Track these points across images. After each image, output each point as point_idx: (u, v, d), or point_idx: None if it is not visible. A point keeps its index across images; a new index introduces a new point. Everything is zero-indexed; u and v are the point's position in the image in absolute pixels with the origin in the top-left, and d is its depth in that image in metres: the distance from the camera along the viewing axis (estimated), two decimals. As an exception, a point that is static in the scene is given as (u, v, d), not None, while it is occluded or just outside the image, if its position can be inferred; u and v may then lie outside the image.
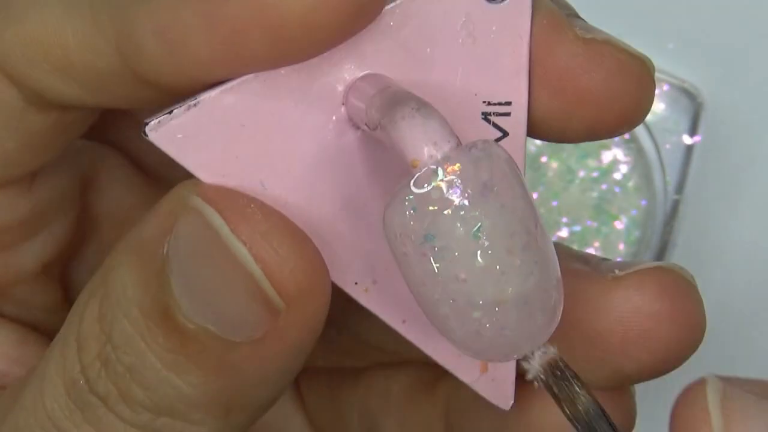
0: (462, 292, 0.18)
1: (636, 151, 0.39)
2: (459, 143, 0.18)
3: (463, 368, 0.21)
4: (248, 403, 0.20)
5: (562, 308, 0.19)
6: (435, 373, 0.21)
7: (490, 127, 0.20)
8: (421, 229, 0.18)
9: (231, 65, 0.18)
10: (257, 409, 0.20)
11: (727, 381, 0.19)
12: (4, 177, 0.22)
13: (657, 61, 0.40)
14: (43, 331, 0.25)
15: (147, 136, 0.19)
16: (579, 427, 0.23)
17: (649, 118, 0.39)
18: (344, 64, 0.19)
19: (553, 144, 0.39)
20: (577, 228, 0.39)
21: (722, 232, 0.41)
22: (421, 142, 0.18)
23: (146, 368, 0.19)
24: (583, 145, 0.39)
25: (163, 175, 0.25)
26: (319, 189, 0.20)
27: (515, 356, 0.19)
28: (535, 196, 0.38)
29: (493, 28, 0.20)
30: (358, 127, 0.20)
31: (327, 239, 0.20)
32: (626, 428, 0.23)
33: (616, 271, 0.21)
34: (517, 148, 0.21)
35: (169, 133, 0.19)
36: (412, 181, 0.18)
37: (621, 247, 0.40)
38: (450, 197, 0.18)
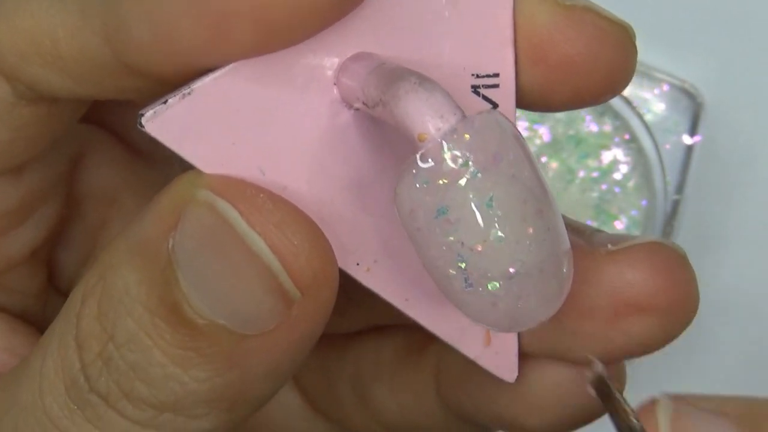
0: (477, 264, 0.18)
1: (636, 151, 0.39)
2: (464, 115, 0.18)
3: (467, 343, 0.21)
4: (254, 395, 0.20)
5: (572, 275, 0.19)
6: (424, 337, 0.21)
7: (480, 100, 0.20)
8: (434, 203, 0.18)
9: (220, 52, 0.18)
10: (261, 400, 0.20)
11: (679, 399, 0.19)
12: None
13: (657, 61, 0.40)
14: (31, 316, 0.25)
15: (143, 127, 0.18)
16: None
17: (649, 118, 0.39)
18: (333, 45, 0.19)
19: (553, 144, 0.39)
20: (577, 228, 0.39)
21: (722, 232, 0.41)
22: (427, 116, 0.18)
23: (151, 365, 0.19)
24: (583, 145, 0.39)
25: (149, 153, 0.25)
26: (318, 171, 0.20)
27: (531, 325, 0.19)
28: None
29: (477, 0, 0.20)
30: (351, 107, 0.20)
31: (329, 222, 0.20)
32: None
33: (609, 246, 0.21)
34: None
35: (165, 123, 0.19)
36: (421, 156, 0.18)
37: (621, 247, 0.40)
38: (461, 169, 0.18)
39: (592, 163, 0.39)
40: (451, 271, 0.18)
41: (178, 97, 0.19)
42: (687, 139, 0.40)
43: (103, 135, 0.25)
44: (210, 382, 0.19)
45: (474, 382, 0.22)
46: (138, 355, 0.19)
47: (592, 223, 0.40)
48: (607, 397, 0.30)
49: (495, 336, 0.21)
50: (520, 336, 0.22)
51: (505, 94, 0.21)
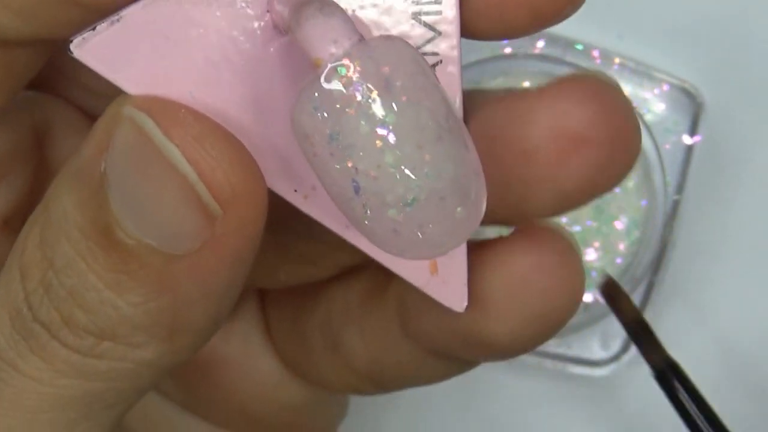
0: (374, 190, 0.18)
1: (636, 151, 0.39)
2: (361, 40, 0.18)
3: (412, 271, 0.21)
4: (191, 322, 0.20)
5: (485, 199, 0.19)
6: (387, 274, 0.21)
7: (421, 27, 0.20)
8: (326, 128, 0.18)
9: None
10: (201, 330, 0.20)
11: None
12: None
13: (657, 61, 0.40)
14: None
15: (72, 53, 0.19)
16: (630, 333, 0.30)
17: (649, 118, 0.39)
18: None
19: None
20: (577, 228, 0.39)
21: (722, 232, 0.41)
22: (323, 41, 0.18)
23: (87, 290, 0.19)
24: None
25: None
26: (250, 98, 0.20)
27: (439, 253, 0.19)
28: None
29: None
30: (283, 34, 0.20)
31: (262, 147, 0.20)
32: (573, 293, 0.22)
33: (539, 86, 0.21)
34: (450, 47, 0.20)
35: (93, 49, 0.19)
36: (313, 81, 0.18)
37: (621, 247, 0.40)
38: (352, 94, 0.18)
39: (592, 163, 0.39)
40: (349, 197, 0.18)
41: (107, 23, 0.19)
42: (687, 139, 0.40)
43: (69, 108, 0.26)
44: (144, 307, 0.19)
45: (432, 306, 0.22)
46: (75, 280, 0.19)
47: (592, 224, 0.40)
48: (614, 299, 0.32)
49: (442, 264, 0.21)
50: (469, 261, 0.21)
51: (448, 19, 0.20)
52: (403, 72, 0.18)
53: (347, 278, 0.26)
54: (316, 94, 0.18)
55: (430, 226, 0.18)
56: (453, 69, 0.20)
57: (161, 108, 0.19)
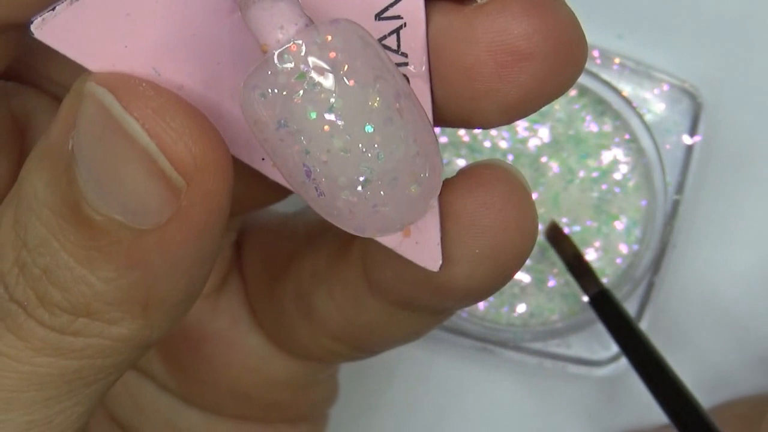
0: (325, 174, 0.18)
1: (636, 151, 0.39)
2: (308, 24, 0.18)
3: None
4: (164, 297, 0.20)
5: (441, 176, 0.19)
6: (350, 235, 0.21)
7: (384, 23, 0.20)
8: (274, 115, 0.18)
9: None
10: (175, 305, 0.20)
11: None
12: None
13: (657, 61, 0.40)
14: None
15: (33, 34, 0.19)
16: (569, 267, 0.35)
17: (649, 117, 0.39)
18: None
19: (553, 144, 0.39)
20: (577, 228, 0.39)
21: (722, 232, 0.41)
22: (269, 27, 0.18)
23: (60, 267, 0.19)
24: (583, 145, 0.39)
25: None
26: (213, 71, 0.20)
27: (398, 229, 0.19)
28: (535, 196, 0.38)
29: None
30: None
31: (228, 120, 0.20)
32: (524, 229, 0.22)
33: (478, 1, 0.21)
34: (414, 9, 0.20)
35: (54, 29, 0.19)
36: (260, 67, 0.18)
37: (621, 247, 0.40)
38: (297, 80, 0.18)
39: (592, 163, 0.39)
40: (301, 180, 0.18)
41: (66, 2, 0.19)
42: (687, 139, 0.40)
43: (50, 100, 0.26)
44: (115, 283, 0.19)
45: (391, 257, 0.22)
46: (48, 258, 0.19)
47: (592, 224, 0.40)
48: (557, 240, 0.38)
49: (414, 227, 0.21)
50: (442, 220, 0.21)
51: (413, 7, 0.20)
52: (350, 56, 0.18)
53: (315, 242, 0.27)
54: (263, 81, 0.18)
55: (385, 205, 0.18)
56: (418, 30, 0.20)
57: (120, 82, 0.19)
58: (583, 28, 0.21)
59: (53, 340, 0.20)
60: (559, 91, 0.21)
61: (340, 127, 0.18)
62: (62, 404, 0.21)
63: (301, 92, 0.18)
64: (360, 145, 0.18)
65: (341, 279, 0.25)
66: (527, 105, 0.21)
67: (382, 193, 0.18)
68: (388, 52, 0.20)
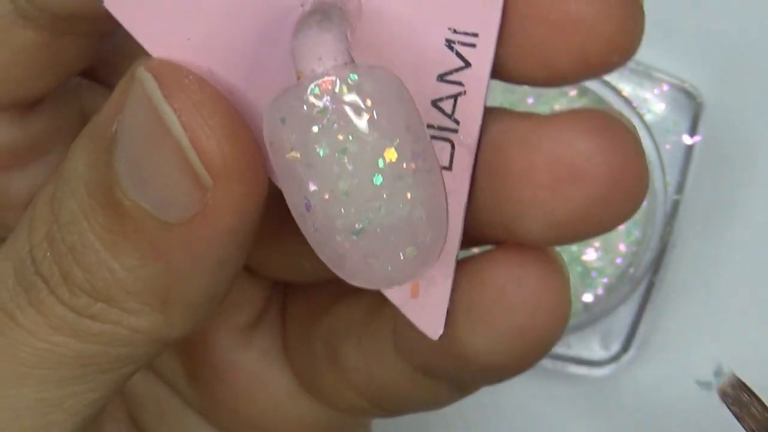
0: (324, 211, 0.18)
1: (636, 151, 0.39)
2: (348, 63, 0.18)
3: (394, 289, 0.21)
4: (184, 295, 0.20)
5: (440, 249, 0.19)
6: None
7: (453, 55, 0.20)
8: (288, 141, 0.18)
9: None
10: (195, 305, 0.20)
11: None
12: None
13: (657, 61, 0.40)
14: None
15: (103, 4, 0.19)
16: None
17: (649, 118, 0.39)
18: None
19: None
20: (577, 228, 0.39)
21: (722, 232, 0.41)
22: (308, 56, 0.18)
23: (86, 248, 0.19)
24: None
25: None
26: (266, 86, 0.20)
27: (387, 286, 0.19)
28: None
29: None
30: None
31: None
32: (556, 310, 0.21)
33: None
34: (478, 80, 0.20)
35: (124, 2, 0.19)
36: (288, 93, 0.18)
37: (621, 247, 0.40)
38: (318, 115, 0.18)
39: (592, 163, 0.39)
40: (301, 212, 0.18)
41: None
42: (687, 139, 0.40)
43: None
44: (136, 272, 0.19)
45: (422, 339, 0.22)
46: (75, 237, 0.19)
47: (592, 223, 0.40)
48: (742, 404, 0.27)
49: (424, 289, 0.21)
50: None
51: (482, 55, 0.20)
52: (378, 104, 0.18)
53: (359, 291, 0.26)
54: (286, 107, 0.18)
55: (377, 258, 0.18)
56: (476, 102, 0.20)
57: (167, 71, 0.19)
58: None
59: (71, 320, 0.20)
60: (616, 220, 0.20)
61: (349, 171, 0.18)
62: (75, 387, 0.21)
63: (320, 128, 0.18)
64: (364, 194, 0.18)
65: (372, 332, 0.25)
66: (574, 227, 0.20)
67: (375, 246, 0.18)
68: (440, 114, 0.20)
